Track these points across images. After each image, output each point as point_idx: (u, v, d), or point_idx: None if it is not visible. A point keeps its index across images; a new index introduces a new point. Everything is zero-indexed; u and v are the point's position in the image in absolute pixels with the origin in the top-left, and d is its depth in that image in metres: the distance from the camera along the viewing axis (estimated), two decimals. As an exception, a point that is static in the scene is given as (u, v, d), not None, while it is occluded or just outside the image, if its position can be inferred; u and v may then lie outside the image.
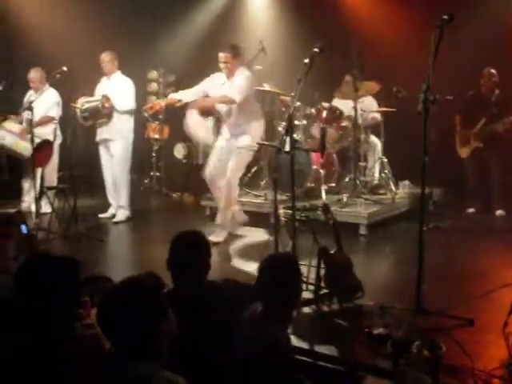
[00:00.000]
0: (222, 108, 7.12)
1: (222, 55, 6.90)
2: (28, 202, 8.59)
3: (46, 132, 8.34)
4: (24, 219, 4.83)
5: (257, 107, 7.29)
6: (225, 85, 7.04)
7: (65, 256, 3.04)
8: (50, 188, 8.04)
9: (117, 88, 8.24)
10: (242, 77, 6.95)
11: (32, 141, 7.43)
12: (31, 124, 7.49)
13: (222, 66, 6.95)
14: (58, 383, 2.64)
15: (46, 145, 8.21)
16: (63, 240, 7.26)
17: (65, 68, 7.53)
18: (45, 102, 8.42)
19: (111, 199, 8.57)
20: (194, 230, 3.82)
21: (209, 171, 7.21)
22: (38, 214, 7.66)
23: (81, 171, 8.32)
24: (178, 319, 2.64)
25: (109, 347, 2.76)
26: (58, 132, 8.73)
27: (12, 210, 6.18)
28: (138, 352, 2.49)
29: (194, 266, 3.53)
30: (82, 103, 8.04)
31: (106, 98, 8.07)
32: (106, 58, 8.23)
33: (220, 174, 7.08)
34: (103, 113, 8.09)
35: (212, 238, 6.70)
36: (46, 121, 8.49)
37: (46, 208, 8.19)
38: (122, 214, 8.36)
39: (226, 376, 3.15)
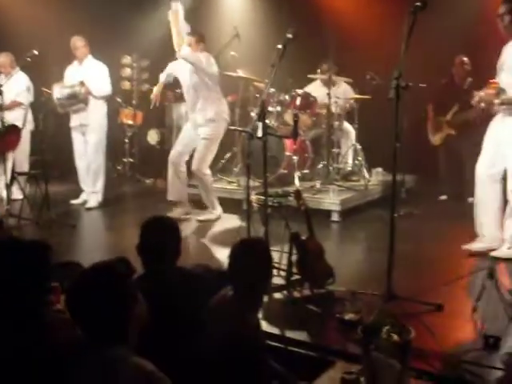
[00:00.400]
0: (184, 88, 7.45)
1: (186, 38, 7.16)
2: (-1, 188, 8.53)
3: (14, 117, 8.23)
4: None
5: (217, 92, 7.41)
6: (186, 66, 7.24)
7: (34, 240, 3.01)
8: (20, 174, 7.95)
9: (91, 73, 8.12)
10: (202, 55, 7.20)
11: (2, 124, 7.37)
12: (0, 108, 7.41)
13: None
14: (29, 370, 2.61)
15: (14, 130, 8.08)
16: (35, 226, 7.20)
17: (35, 52, 7.44)
18: (15, 86, 8.29)
19: (83, 185, 8.50)
20: (163, 216, 3.80)
21: (173, 155, 7.52)
22: (9, 200, 7.60)
23: (52, 157, 8.24)
24: (148, 305, 2.63)
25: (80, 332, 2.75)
26: (29, 117, 8.64)
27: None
28: (107, 337, 2.47)
29: (163, 252, 3.50)
30: (58, 90, 7.95)
31: (81, 83, 7.99)
32: (79, 42, 8.10)
33: (182, 161, 7.49)
34: (80, 98, 8.00)
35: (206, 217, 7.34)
36: (14, 106, 8.40)
37: (17, 194, 8.13)
38: (94, 200, 8.30)
39: (196, 362, 3.14)
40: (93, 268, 2.58)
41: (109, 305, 2.45)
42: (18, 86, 8.41)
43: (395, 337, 3.07)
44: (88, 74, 8.12)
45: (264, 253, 3.43)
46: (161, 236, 3.55)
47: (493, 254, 5.65)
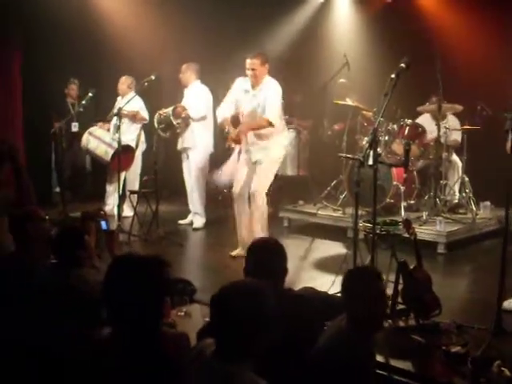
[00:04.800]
0: (247, 118, 6.83)
1: (249, 61, 6.60)
2: (111, 204, 8.86)
3: (128, 139, 8.59)
4: (105, 216, 4.97)
5: (281, 120, 6.98)
6: (249, 93, 6.78)
7: (155, 256, 3.11)
8: (133, 192, 8.28)
9: (190, 97, 8.35)
10: (272, 92, 6.68)
11: (119, 144, 7.70)
12: (119, 130, 7.73)
13: (248, 72, 6.65)
14: (146, 381, 2.71)
15: (128, 151, 8.43)
16: (144, 243, 7.46)
17: (153, 77, 7.74)
18: (130, 108, 8.62)
19: (191, 206, 8.72)
20: (268, 237, 3.83)
21: (237, 188, 6.97)
22: (120, 216, 7.91)
23: (164, 177, 8.48)
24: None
25: (193, 346, 2.84)
26: (142, 138, 8.98)
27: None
28: (240, 355, 2.57)
29: (271, 272, 3.50)
30: (158, 114, 8.24)
31: (181, 107, 8.22)
32: (182, 69, 8.37)
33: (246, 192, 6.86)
34: (177, 122, 8.18)
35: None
36: (138, 118, 8.80)
37: (127, 211, 8.44)
38: (199, 221, 8.50)
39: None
40: (249, 287, 2.72)
41: (252, 323, 2.56)
42: (135, 107, 8.76)
43: (507, 371, 3.03)
44: (188, 98, 8.36)
45: (377, 281, 3.34)
46: (267, 257, 3.56)
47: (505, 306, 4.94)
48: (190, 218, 8.72)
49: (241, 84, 6.89)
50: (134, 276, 2.82)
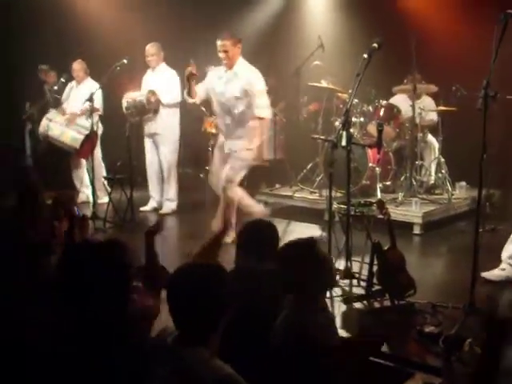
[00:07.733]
0: (223, 105, 6.55)
1: (220, 43, 6.21)
2: (86, 193, 8.77)
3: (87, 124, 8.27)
4: (75, 202, 4.88)
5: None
6: (222, 79, 6.46)
7: (113, 240, 3.04)
8: (107, 178, 8.18)
9: (162, 81, 8.08)
10: (253, 80, 6.34)
11: (92, 131, 7.58)
12: (91, 115, 7.60)
13: (221, 55, 6.28)
14: (114, 369, 2.66)
15: (93, 136, 8.20)
16: (119, 229, 7.39)
17: (125, 60, 7.61)
18: (86, 93, 8.21)
19: (152, 192, 8.56)
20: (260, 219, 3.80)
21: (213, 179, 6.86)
22: (96, 203, 7.83)
23: (137, 162, 8.36)
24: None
25: (160, 330, 2.80)
26: (100, 124, 8.77)
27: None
28: (201, 339, 2.53)
29: (262, 252, 3.48)
30: (127, 99, 8.02)
31: (151, 92, 7.99)
32: (151, 50, 8.07)
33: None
34: (149, 108, 8.00)
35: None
36: (95, 111, 8.59)
37: (103, 198, 8.34)
38: (168, 207, 8.37)
39: (267, 362, 3.13)
40: (200, 267, 2.68)
41: (211, 307, 2.53)
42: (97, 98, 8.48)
43: (478, 349, 3.02)
44: (159, 82, 8.10)
45: (310, 253, 3.23)
46: (261, 235, 3.57)
47: (483, 274, 5.27)
48: (151, 204, 8.55)
49: (212, 73, 6.60)
50: (90, 261, 2.76)
